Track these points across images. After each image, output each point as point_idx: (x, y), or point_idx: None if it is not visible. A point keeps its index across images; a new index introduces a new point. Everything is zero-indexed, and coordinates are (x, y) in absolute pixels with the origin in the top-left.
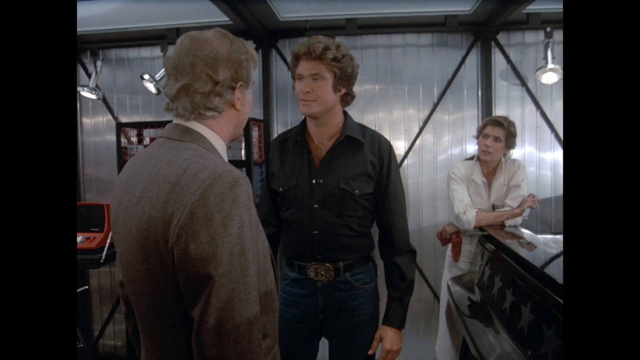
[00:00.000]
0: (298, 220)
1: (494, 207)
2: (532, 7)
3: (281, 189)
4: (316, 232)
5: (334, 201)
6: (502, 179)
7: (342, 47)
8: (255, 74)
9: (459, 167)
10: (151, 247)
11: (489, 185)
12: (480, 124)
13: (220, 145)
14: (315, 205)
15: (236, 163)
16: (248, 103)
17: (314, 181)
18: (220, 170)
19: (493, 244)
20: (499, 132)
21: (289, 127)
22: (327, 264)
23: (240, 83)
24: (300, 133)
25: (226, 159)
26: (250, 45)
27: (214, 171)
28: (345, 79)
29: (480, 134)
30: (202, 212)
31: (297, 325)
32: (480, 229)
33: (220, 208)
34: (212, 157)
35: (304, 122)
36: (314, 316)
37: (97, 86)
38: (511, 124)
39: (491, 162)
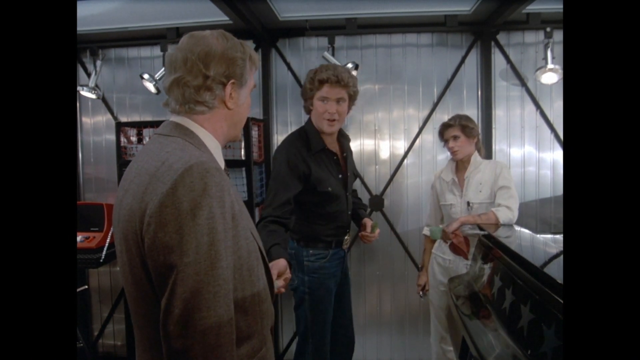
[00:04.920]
0: (339, 209)
1: (468, 204)
2: (532, 7)
3: (330, 189)
4: (348, 212)
5: (350, 186)
6: (479, 177)
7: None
8: (255, 76)
9: (436, 172)
10: (131, 237)
11: (460, 182)
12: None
13: (212, 143)
14: (347, 194)
15: (236, 163)
16: (244, 104)
17: (340, 176)
18: (193, 161)
19: (493, 243)
20: (453, 132)
21: (289, 127)
22: (349, 232)
23: (232, 80)
24: (321, 144)
25: (221, 160)
26: (251, 48)
27: (187, 161)
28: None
29: (443, 141)
30: (171, 201)
31: (332, 290)
32: (480, 228)
33: (189, 198)
34: (193, 150)
35: (316, 134)
36: (339, 277)
37: (96, 85)
38: (461, 118)
39: (465, 159)
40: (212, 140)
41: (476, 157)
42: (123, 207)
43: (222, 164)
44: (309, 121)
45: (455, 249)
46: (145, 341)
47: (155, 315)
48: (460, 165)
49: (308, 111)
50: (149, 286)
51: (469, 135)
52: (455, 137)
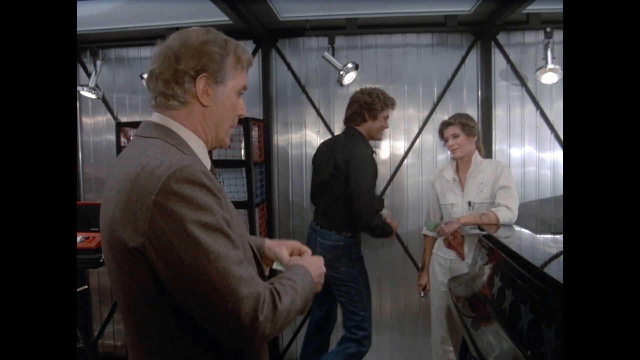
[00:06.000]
0: None
1: (470, 204)
2: (532, 7)
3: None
4: None
5: None
6: (480, 177)
7: None
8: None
9: (435, 171)
10: (117, 246)
11: (461, 182)
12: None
13: (197, 144)
14: None
15: (236, 163)
16: (224, 103)
17: None
18: (176, 165)
19: (493, 243)
20: (453, 130)
21: (289, 127)
22: None
23: (203, 74)
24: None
25: (207, 161)
26: (241, 47)
27: (168, 167)
28: None
29: (443, 140)
30: (169, 210)
31: None
32: (480, 228)
33: (185, 202)
34: (174, 152)
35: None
36: None
37: (96, 86)
38: (462, 117)
39: (465, 158)
40: (196, 141)
41: (477, 157)
42: (106, 215)
43: (208, 165)
44: (358, 130)
45: (450, 245)
46: (138, 347)
47: (146, 321)
48: (461, 164)
49: (362, 120)
50: (140, 295)
51: (469, 134)
52: (455, 135)
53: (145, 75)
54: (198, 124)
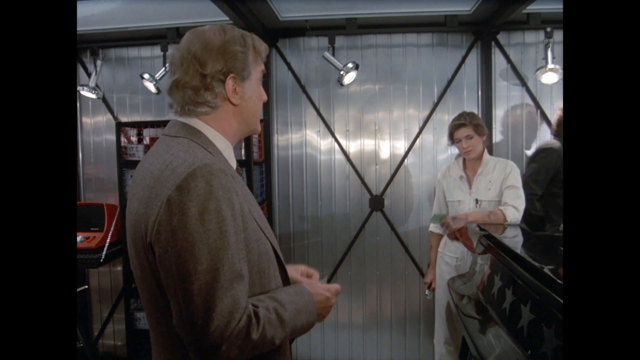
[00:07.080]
0: None
1: (477, 201)
2: (532, 7)
3: None
4: None
5: None
6: (489, 177)
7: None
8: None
9: (442, 168)
10: (139, 243)
11: (468, 179)
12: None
13: (222, 143)
14: None
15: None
16: (252, 97)
17: None
18: (197, 163)
19: (493, 243)
20: (466, 131)
21: (289, 127)
22: None
23: (231, 75)
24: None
25: (232, 160)
26: (255, 38)
27: (190, 164)
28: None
29: (454, 141)
30: (178, 208)
31: None
32: (480, 228)
33: (196, 203)
34: (198, 151)
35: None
36: None
37: (97, 85)
38: (472, 117)
39: (476, 157)
40: (222, 140)
41: (486, 155)
42: (131, 212)
43: (234, 164)
44: None
45: (456, 239)
46: (160, 342)
47: (165, 317)
48: (468, 162)
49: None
50: (158, 291)
51: (481, 134)
52: (468, 137)
53: (146, 76)
54: (226, 124)
